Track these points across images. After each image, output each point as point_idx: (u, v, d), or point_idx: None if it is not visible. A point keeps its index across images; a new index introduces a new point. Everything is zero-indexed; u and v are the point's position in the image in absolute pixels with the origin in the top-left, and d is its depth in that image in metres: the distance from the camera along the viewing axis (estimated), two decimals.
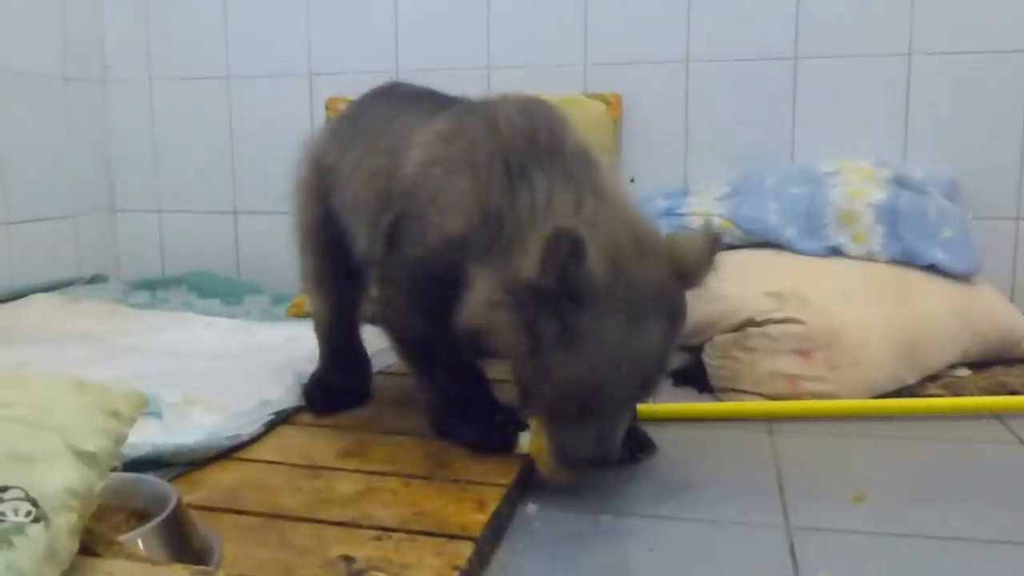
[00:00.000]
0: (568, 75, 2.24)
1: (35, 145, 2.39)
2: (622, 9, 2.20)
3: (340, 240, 1.44)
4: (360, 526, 1.01)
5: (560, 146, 1.18)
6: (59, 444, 0.73)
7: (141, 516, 0.90)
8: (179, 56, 2.55)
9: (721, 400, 1.65)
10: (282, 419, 1.41)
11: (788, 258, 1.84)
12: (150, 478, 0.99)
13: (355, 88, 1.65)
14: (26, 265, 2.34)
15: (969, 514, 1.12)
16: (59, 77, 2.47)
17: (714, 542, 1.06)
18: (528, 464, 1.19)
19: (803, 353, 1.59)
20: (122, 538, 0.81)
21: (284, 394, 1.47)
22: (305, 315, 1.93)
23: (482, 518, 1.03)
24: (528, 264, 1.04)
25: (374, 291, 1.40)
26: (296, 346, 1.79)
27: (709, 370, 1.69)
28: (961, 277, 1.82)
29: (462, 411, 1.28)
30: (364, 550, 0.95)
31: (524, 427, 1.21)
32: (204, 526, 0.95)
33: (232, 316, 2.19)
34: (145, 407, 0.86)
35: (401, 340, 1.34)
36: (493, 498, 1.09)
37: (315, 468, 1.21)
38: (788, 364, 1.60)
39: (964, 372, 1.73)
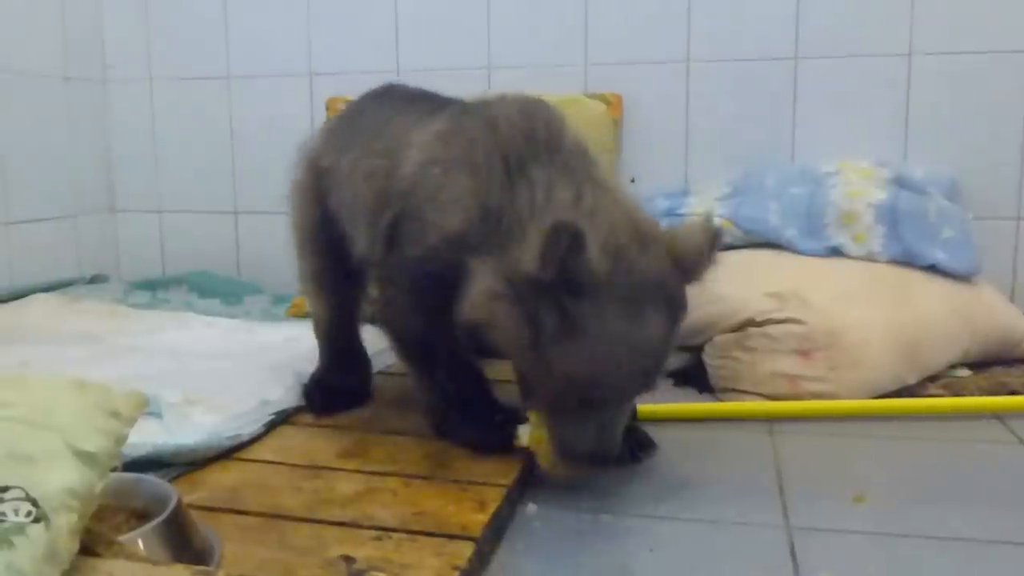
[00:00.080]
0: (568, 75, 2.24)
1: (35, 145, 2.39)
2: (622, 9, 2.20)
3: (338, 241, 1.44)
4: (360, 526, 1.01)
5: (558, 143, 1.18)
6: (59, 444, 0.73)
7: (141, 516, 0.91)
8: (179, 56, 2.55)
9: (721, 400, 1.65)
10: (282, 419, 1.41)
11: (788, 258, 1.84)
12: (150, 478, 0.99)
13: (355, 88, 1.65)
14: (26, 265, 2.34)
15: (969, 514, 1.12)
16: (59, 77, 2.47)
17: (714, 542, 1.06)
18: (528, 464, 1.19)
19: (803, 353, 1.59)
20: (122, 538, 0.81)
21: (284, 394, 1.47)
22: (305, 315, 1.92)
23: (482, 518, 1.03)
24: (528, 257, 1.04)
25: (374, 291, 1.40)
26: (296, 346, 1.79)
27: (709, 370, 1.69)
28: (961, 277, 1.82)
29: (462, 411, 1.28)
30: (364, 550, 0.95)
31: (523, 420, 1.20)
32: (204, 526, 0.95)
33: (232, 316, 2.19)
34: (145, 407, 0.86)
35: (401, 340, 1.34)
36: (493, 498, 1.09)
37: (315, 468, 1.21)
38: (788, 364, 1.60)
39: (964, 372, 1.73)
